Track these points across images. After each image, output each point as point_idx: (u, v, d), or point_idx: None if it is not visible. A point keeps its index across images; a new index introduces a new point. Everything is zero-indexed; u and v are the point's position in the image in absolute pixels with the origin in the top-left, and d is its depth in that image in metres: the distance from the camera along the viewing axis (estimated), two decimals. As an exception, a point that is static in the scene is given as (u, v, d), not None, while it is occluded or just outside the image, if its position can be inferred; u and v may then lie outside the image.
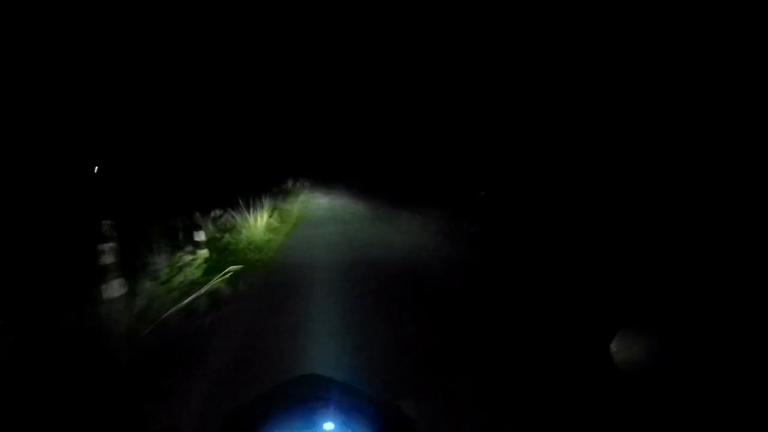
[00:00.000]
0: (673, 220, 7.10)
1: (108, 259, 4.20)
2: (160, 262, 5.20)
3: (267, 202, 9.64)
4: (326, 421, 0.66)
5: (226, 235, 7.49)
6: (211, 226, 7.60)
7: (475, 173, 15.20)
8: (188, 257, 5.68)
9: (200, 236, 6.37)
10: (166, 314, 3.89)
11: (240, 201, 8.52)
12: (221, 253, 6.44)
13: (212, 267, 5.52)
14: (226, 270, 5.30)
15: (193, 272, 5.27)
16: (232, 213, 8.46)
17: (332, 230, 8.99)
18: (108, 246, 4.25)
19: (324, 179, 24.19)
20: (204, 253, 6.04)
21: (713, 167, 7.27)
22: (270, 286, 5.08)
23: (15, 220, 5.18)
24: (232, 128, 15.74)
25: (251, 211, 8.49)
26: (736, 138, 7.16)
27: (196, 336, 3.57)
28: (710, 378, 0.75)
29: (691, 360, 0.76)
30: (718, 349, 0.76)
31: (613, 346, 0.88)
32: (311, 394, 0.73)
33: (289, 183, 18.49)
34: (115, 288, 4.12)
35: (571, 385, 2.58)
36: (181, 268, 5.27)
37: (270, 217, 9.18)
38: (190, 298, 4.38)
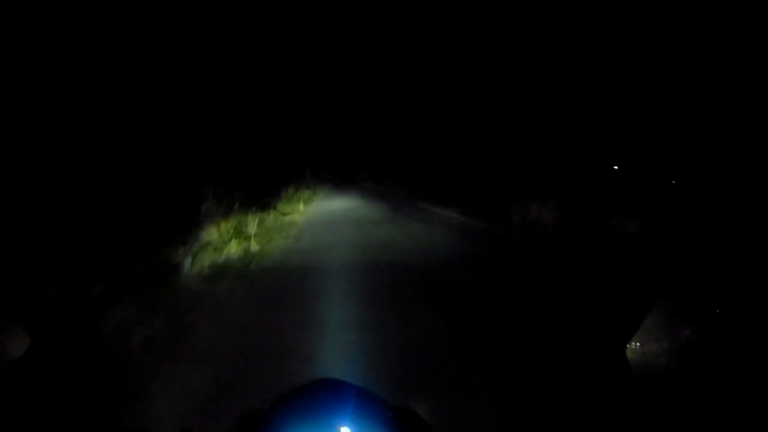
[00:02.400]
0: (698, 218, 6.99)
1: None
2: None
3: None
4: (342, 425, 0.66)
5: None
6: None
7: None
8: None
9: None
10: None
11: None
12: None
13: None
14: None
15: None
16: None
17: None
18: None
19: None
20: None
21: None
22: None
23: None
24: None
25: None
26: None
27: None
28: (732, 382, 0.74)
29: (712, 363, 0.75)
30: (742, 352, 0.75)
31: (631, 348, 0.87)
32: (327, 398, 0.73)
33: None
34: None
35: (587, 384, 2.56)
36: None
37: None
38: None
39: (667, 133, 9.87)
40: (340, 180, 26.13)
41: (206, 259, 5.69)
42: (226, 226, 7.40)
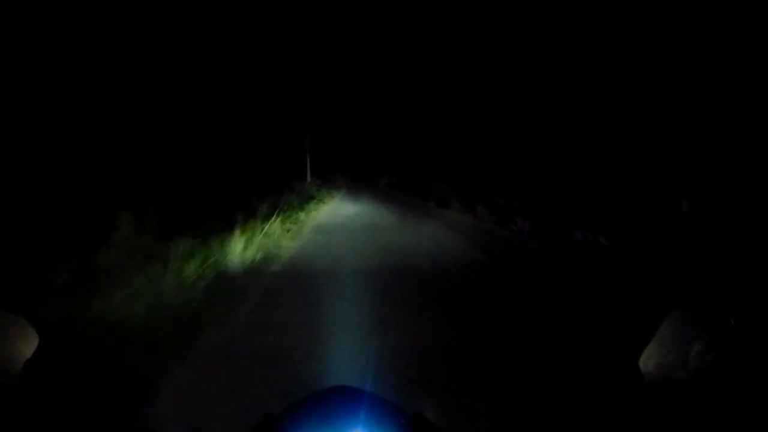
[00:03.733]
0: (711, 222, 6.94)
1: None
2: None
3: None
4: (356, 432, 0.66)
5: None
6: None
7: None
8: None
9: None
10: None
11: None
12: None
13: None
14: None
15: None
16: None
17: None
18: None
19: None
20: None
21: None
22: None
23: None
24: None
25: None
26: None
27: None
28: (749, 392, 0.72)
29: (728, 374, 0.74)
30: (759, 363, 0.74)
31: (643, 358, 0.86)
32: (341, 405, 0.73)
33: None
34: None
35: (595, 392, 2.55)
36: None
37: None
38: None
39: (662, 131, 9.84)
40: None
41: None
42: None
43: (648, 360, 0.86)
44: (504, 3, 15.74)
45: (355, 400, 0.73)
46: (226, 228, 7.01)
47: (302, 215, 12.43)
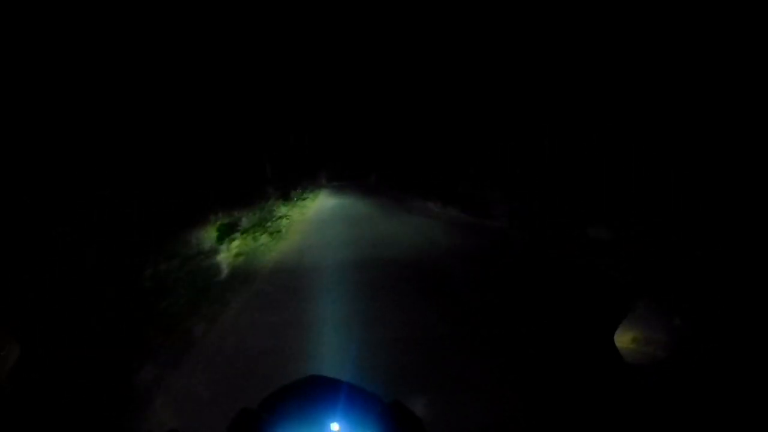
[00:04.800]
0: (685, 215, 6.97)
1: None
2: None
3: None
4: (333, 422, 0.66)
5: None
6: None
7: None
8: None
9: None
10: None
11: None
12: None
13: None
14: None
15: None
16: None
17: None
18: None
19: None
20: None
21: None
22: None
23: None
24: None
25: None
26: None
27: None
28: (718, 373, 0.74)
29: (701, 352, 0.75)
30: (731, 345, 0.75)
31: (617, 336, 0.88)
32: (317, 396, 0.73)
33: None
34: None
35: (578, 372, 2.58)
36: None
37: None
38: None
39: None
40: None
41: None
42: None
43: (623, 336, 0.87)
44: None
45: (332, 391, 0.73)
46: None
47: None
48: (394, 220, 10.54)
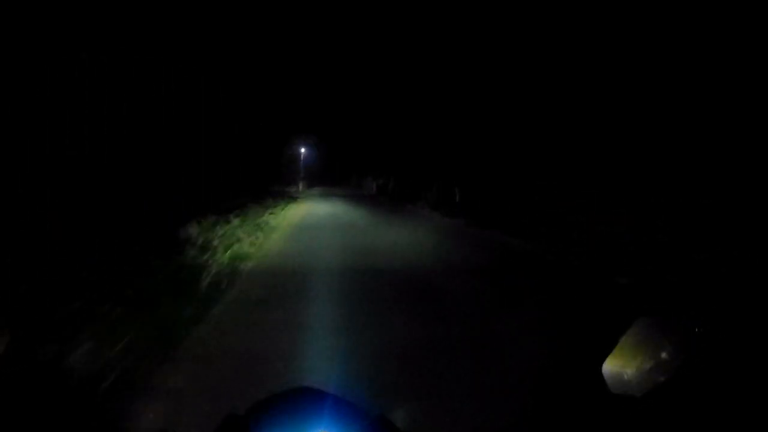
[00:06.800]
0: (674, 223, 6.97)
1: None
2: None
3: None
4: (319, 433, 0.66)
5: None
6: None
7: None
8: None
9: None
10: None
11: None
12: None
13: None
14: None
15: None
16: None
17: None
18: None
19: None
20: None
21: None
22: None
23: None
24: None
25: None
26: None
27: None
28: (715, 398, 0.74)
29: (693, 382, 0.75)
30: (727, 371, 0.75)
31: (606, 365, 0.87)
32: (304, 407, 0.73)
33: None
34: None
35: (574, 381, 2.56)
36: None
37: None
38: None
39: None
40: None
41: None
42: None
43: (611, 366, 0.87)
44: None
45: (319, 402, 0.73)
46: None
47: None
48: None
